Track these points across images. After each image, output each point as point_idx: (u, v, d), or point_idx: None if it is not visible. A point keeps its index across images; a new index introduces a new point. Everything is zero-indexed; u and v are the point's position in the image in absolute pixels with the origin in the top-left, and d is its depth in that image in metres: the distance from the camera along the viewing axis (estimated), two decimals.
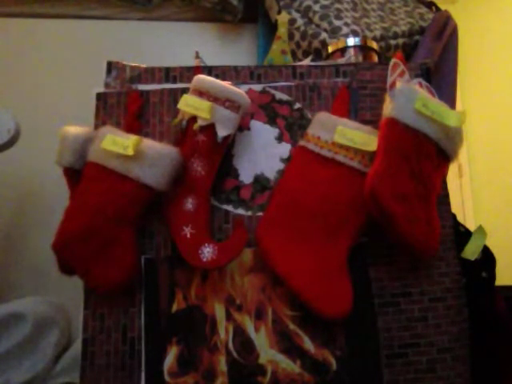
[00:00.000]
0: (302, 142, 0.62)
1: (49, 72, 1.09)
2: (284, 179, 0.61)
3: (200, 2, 1.13)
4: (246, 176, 0.63)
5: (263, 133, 0.64)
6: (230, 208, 0.61)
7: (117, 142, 0.56)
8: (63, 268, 0.58)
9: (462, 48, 1.01)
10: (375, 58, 0.79)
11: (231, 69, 0.66)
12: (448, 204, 0.64)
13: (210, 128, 0.58)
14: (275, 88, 0.66)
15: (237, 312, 0.58)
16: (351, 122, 0.60)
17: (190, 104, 0.58)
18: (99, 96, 0.65)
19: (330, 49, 0.80)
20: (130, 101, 0.64)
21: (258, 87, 0.66)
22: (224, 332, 0.57)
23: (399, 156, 0.55)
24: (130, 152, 0.55)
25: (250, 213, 0.61)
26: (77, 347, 0.79)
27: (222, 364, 0.56)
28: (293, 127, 0.65)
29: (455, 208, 0.65)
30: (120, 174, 0.56)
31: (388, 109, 0.57)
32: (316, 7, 0.96)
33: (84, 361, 0.56)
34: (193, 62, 0.72)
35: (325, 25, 0.93)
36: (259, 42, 1.11)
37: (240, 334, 0.57)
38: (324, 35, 0.92)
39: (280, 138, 0.64)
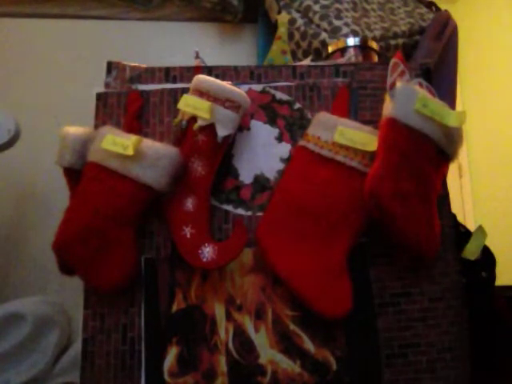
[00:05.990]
0: (301, 142, 0.62)
1: (49, 72, 1.09)
2: (284, 179, 0.61)
3: (200, 2, 1.13)
4: (246, 176, 0.63)
5: (263, 133, 0.64)
6: (230, 208, 0.61)
7: (117, 142, 0.56)
8: (63, 268, 0.58)
9: (461, 48, 1.01)
10: (375, 58, 0.79)
11: (231, 69, 0.66)
12: (448, 204, 0.64)
13: (210, 128, 0.58)
14: (275, 88, 0.66)
15: (237, 312, 0.58)
16: (351, 122, 0.60)
17: (190, 104, 0.58)
18: (99, 96, 0.65)
19: (330, 49, 0.80)
20: (130, 101, 0.64)
21: (257, 87, 0.66)
22: (224, 332, 0.57)
23: (399, 156, 0.55)
24: (130, 152, 0.55)
25: (249, 213, 0.61)
26: (77, 347, 0.79)
27: (222, 364, 0.56)
28: (293, 127, 0.65)
29: (455, 208, 0.65)
30: (120, 174, 0.56)
31: (388, 109, 0.57)
32: (316, 7, 0.96)
33: (84, 361, 0.56)
34: (193, 62, 0.72)
35: (325, 25, 0.93)
36: (259, 42, 1.12)
37: (240, 334, 0.57)
38: (324, 35, 0.92)
39: (280, 138, 0.64)
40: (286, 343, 0.57)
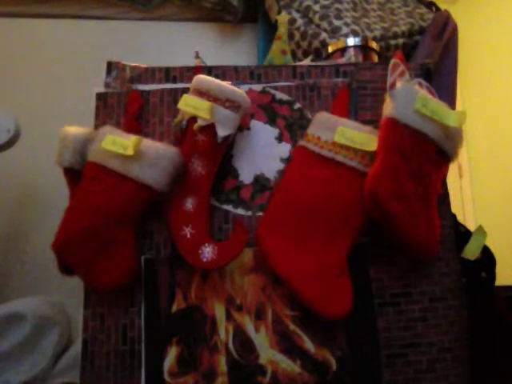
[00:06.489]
0: (302, 142, 0.62)
1: (49, 72, 1.09)
2: (284, 179, 0.61)
3: (200, 2, 1.13)
4: (246, 176, 0.63)
5: (263, 133, 0.64)
6: (230, 208, 0.61)
7: (117, 142, 0.56)
8: (63, 268, 0.58)
9: (461, 48, 1.01)
10: (375, 58, 0.79)
11: (231, 69, 0.66)
12: (448, 204, 0.64)
13: (210, 128, 0.58)
14: (275, 88, 0.66)
15: (237, 312, 0.58)
16: (351, 122, 0.60)
17: (190, 104, 0.58)
18: (99, 96, 0.65)
19: (330, 49, 0.80)
20: (130, 101, 0.64)
21: (258, 87, 0.66)
22: (224, 332, 0.57)
23: (399, 156, 0.55)
24: (130, 152, 0.55)
25: (250, 213, 0.61)
26: (77, 347, 0.79)
27: (222, 364, 0.56)
28: (293, 127, 0.65)
29: (455, 208, 0.65)
30: (120, 174, 0.56)
31: (388, 109, 0.57)
32: (316, 7, 0.96)
33: (84, 361, 0.56)
34: (193, 62, 0.72)
35: (325, 25, 0.93)
36: (259, 42, 1.12)
37: (240, 334, 0.57)
38: (324, 35, 0.92)
39: (280, 138, 0.64)
40: (286, 343, 0.57)
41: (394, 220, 0.54)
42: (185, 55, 0.78)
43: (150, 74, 0.66)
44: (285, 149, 0.64)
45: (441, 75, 0.94)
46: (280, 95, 0.66)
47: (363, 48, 0.78)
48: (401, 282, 0.60)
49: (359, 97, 0.66)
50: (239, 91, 0.59)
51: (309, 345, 0.57)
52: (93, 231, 0.55)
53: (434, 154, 0.57)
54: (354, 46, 0.78)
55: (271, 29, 1.04)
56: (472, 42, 1.48)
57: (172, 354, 0.56)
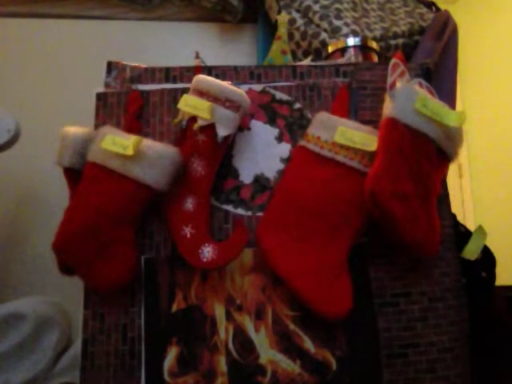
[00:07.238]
0: (302, 142, 0.62)
1: (49, 72, 1.09)
2: (284, 179, 0.61)
3: (200, 2, 1.13)
4: (246, 176, 0.63)
5: (263, 133, 0.64)
6: (230, 208, 0.61)
7: (117, 142, 0.56)
8: (63, 268, 0.58)
9: (462, 48, 1.01)
10: (375, 58, 0.79)
11: (231, 69, 0.66)
12: (448, 204, 0.64)
13: (210, 128, 0.58)
14: (275, 88, 0.66)
15: (237, 312, 0.58)
16: (351, 122, 0.60)
17: (190, 104, 0.58)
18: (99, 96, 0.65)
19: (330, 49, 0.80)
20: (130, 101, 0.64)
21: (258, 87, 0.66)
22: (224, 332, 0.57)
23: (399, 156, 0.55)
24: (130, 152, 0.55)
25: (249, 213, 0.61)
26: (77, 347, 0.79)
27: (222, 364, 0.56)
28: (293, 127, 0.65)
29: (455, 208, 0.65)
30: (120, 174, 0.56)
31: (388, 109, 0.57)
32: (316, 7, 0.96)
33: (84, 361, 0.56)
34: (193, 62, 0.72)
35: (325, 25, 0.93)
36: (259, 42, 1.11)
37: (240, 334, 0.57)
38: (324, 35, 0.92)
39: (280, 138, 0.64)
40: (286, 343, 0.57)
41: (393, 220, 0.54)
42: (185, 55, 0.77)
43: (150, 74, 0.66)
44: (285, 149, 0.64)
45: (441, 75, 0.94)
46: (280, 95, 0.66)
47: (363, 48, 0.78)
48: (401, 282, 0.60)
49: (359, 97, 0.66)
50: (239, 91, 0.59)
51: (309, 345, 0.57)
52: (93, 231, 0.55)
53: (434, 154, 0.57)
54: (354, 46, 0.78)
55: (271, 29, 1.04)
56: (472, 41, 1.48)
57: (172, 353, 0.56)
